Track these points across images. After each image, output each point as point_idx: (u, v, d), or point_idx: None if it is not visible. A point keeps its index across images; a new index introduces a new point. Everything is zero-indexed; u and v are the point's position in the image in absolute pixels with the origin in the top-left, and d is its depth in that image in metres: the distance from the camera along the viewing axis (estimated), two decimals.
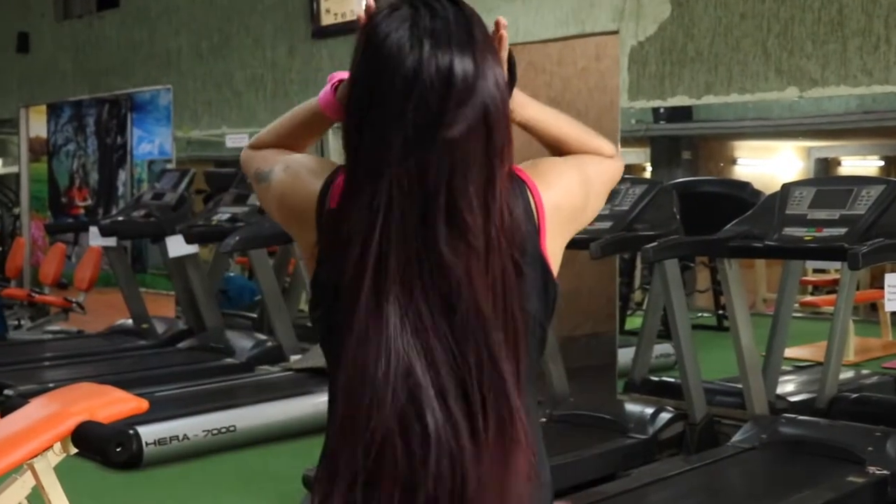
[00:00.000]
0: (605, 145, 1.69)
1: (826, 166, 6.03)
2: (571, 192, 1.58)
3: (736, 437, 4.67)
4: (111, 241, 7.60)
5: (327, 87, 1.60)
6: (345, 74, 1.52)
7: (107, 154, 10.43)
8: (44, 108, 11.26)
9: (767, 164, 6.22)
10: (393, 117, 1.35)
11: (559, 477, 4.97)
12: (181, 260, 7.34)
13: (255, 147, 1.72)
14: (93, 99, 10.38)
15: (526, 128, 1.61)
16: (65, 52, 10.54)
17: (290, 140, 1.68)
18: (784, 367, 5.37)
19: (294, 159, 1.63)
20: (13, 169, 12.02)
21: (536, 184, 1.52)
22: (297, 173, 1.58)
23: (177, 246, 7.07)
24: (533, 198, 1.50)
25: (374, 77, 1.37)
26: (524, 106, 1.60)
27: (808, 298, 6.19)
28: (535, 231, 1.49)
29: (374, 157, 1.36)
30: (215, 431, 5.32)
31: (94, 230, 7.58)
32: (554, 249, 1.53)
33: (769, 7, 5.21)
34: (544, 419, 5.22)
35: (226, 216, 7.08)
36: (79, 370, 6.62)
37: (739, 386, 4.88)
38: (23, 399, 5.04)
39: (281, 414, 5.64)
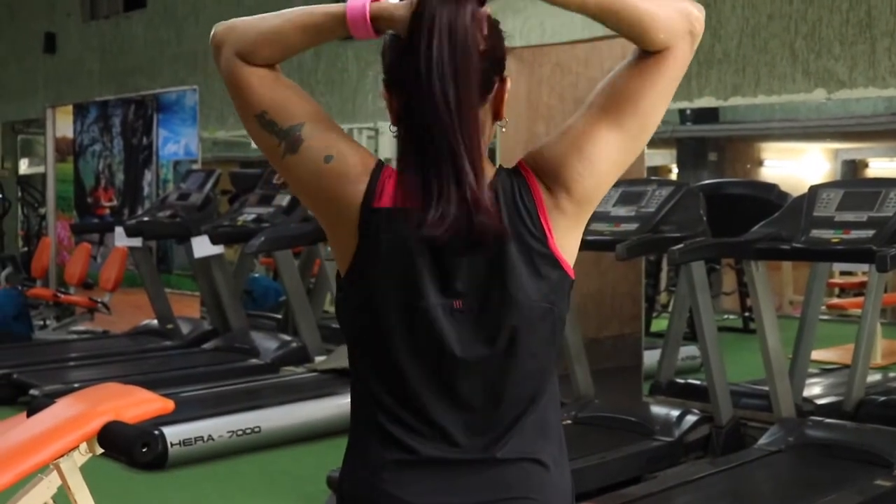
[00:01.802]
0: (666, 25, 1.49)
1: (853, 168, 5.99)
2: (590, 174, 1.52)
3: (762, 440, 4.64)
4: (136, 242, 7.64)
5: (362, 4, 1.50)
6: None
7: (133, 154, 10.48)
8: (70, 108, 11.34)
9: (794, 166, 6.18)
10: None
11: (584, 479, 4.95)
12: (206, 260, 7.36)
13: (245, 56, 1.54)
14: (119, 99, 10.43)
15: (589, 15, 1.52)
16: (91, 53, 10.60)
17: (288, 50, 1.55)
18: (811, 370, 5.34)
19: (337, 146, 1.53)
20: (39, 169, 12.11)
21: (538, 183, 1.53)
22: (343, 176, 1.52)
23: (202, 246, 7.09)
24: (534, 199, 1.52)
25: None
26: None
27: (835, 301, 6.14)
28: (541, 231, 1.51)
29: None
30: (240, 432, 5.33)
31: (119, 230, 7.61)
32: (566, 243, 1.54)
33: (797, 8, 5.17)
34: (569, 421, 5.21)
35: (251, 217, 7.10)
36: (104, 370, 6.65)
37: (766, 388, 4.86)
38: (48, 399, 5.03)
39: (305, 415, 5.65)
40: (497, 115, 1.58)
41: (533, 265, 1.51)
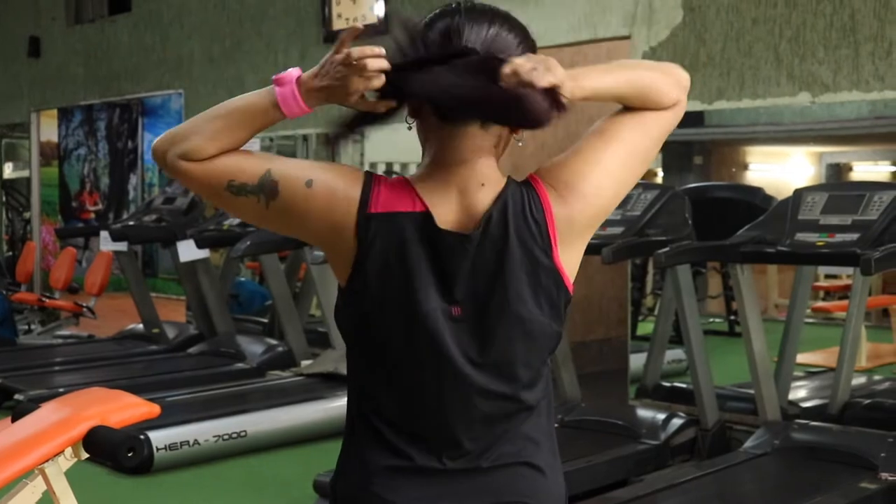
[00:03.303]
0: (671, 91, 1.65)
1: (838, 172, 6.01)
2: (600, 192, 1.60)
3: (748, 443, 4.66)
4: (122, 246, 7.61)
5: (287, 82, 1.54)
6: (296, 72, 1.56)
7: (118, 158, 10.45)
8: (55, 112, 11.29)
9: (779, 170, 6.20)
10: None
11: (571, 482, 4.95)
12: (192, 265, 7.35)
13: (192, 157, 1.57)
14: (104, 103, 10.40)
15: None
16: (76, 57, 10.57)
17: (233, 144, 1.58)
18: (796, 373, 5.36)
19: (311, 171, 1.57)
20: (24, 173, 12.05)
21: (550, 196, 1.57)
22: (332, 189, 1.55)
23: (188, 250, 7.08)
24: (544, 211, 1.56)
25: None
26: (589, 82, 1.61)
27: (820, 304, 6.16)
28: (548, 243, 1.56)
29: None
30: (226, 436, 5.32)
31: (104, 235, 7.59)
32: (569, 258, 1.59)
33: (781, 12, 5.19)
34: (557, 424, 5.20)
35: (237, 221, 7.09)
36: (89, 375, 6.63)
37: (751, 392, 4.87)
38: (33, 404, 5.02)
39: (292, 419, 5.65)
40: (513, 129, 1.63)
41: (535, 276, 1.55)
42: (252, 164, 1.57)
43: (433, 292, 1.53)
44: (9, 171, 12.69)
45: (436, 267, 1.53)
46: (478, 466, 1.57)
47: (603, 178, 1.59)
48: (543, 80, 1.48)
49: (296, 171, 1.56)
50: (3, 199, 12.33)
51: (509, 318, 1.54)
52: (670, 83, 1.65)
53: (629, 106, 1.65)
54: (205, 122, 1.57)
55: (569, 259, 1.59)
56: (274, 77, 1.56)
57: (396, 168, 7.62)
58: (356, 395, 1.63)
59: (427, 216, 1.53)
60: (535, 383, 1.60)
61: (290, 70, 1.57)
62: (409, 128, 1.63)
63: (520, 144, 1.66)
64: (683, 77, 1.68)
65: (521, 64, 1.48)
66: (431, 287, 1.53)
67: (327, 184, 1.55)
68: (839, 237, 4.41)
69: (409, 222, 1.53)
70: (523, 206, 1.55)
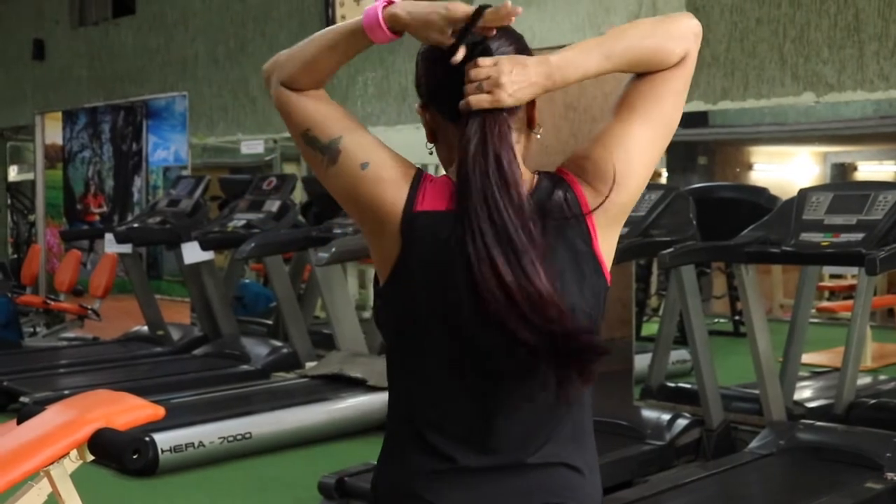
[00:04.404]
0: (675, 46, 1.61)
1: (842, 171, 6.00)
2: (629, 174, 1.58)
3: (753, 444, 4.65)
4: (126, 248, 7.62)
5: (373, 8, 1.56)
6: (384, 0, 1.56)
7: (122, 161, 10.46)
8: (59, 114, 11.31)
9: (784, 170, 6.19)
10: None
11: None
12: (197, 266, 7.35)
13: (289, 84, 1.64)
14: (108, 106, 10.41)
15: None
16: (80, 59, 10.58)
17: (324, 72, 1.63)
18: (801, 373, 5.35)
19: (373, 154, 1.59)
20: (29, 176, 12.07)
21: (582, 186, 1.58)
22: (381, 182, 1.57)
23: (192, 252, 7.08)
24: (579, 202, 1.56)
25: None
26: (575, 67, 1.57)
27: (825, 304, 6.16)
28: (587, 233, 1.56)
29: None
30: (231, 438, 5.33)
31: (109, 237, 7.60)
32: (607, 245, 1.60)
33: (785, 12, 5.19)
34: None
35: (241, 222, 7.09)
36: (94, 377, 6.64)
37: (756, 392, 4.86)
38: (39, 406, 5.03)
39: (296, 421, 5.64)
40: (531, 123, 1.64)
41: (578, 268, 1.54)
42: (333, 122, 1.61)
43: (475, 292, 1.49)
44: (13, 173, 12.71)
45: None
46: (520, 466, 1.56)
47: (629, 161, 1.58)
48: (483, 101, 1.51)
49: (360, 149, 1.59)
50: (8, 201, 12.34)
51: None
52: (673, 38, 1.60)
53: (635, 73, 1.62)
54: (302, 49, 1.63)
55: (607, 247, 1.59)
56: (366, 8, 1.59)
57: None
58: (397, 396, 1.63)
59: None
60: None
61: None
62: (431, 152, 1.66)
63: (538, 137, 1.66)
64: (692, 25, 1.63)
65: (486, 77, 1.51)
66: (472, 287, 1.48)
67: (380, 175, 1.57)
68: (844, 237, 4.40)
69: (451, 221, 1.51)
70: (558, 198, 1.55)
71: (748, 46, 5.32)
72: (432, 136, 1.65)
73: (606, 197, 1.56)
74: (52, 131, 11.51)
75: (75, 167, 11.15)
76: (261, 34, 8.32)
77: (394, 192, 1.56)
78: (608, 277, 1.59)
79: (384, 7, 1.55)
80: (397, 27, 1.55)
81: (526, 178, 1.57)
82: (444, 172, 1.65)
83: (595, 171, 1.58)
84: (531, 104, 1.61)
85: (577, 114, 7.15)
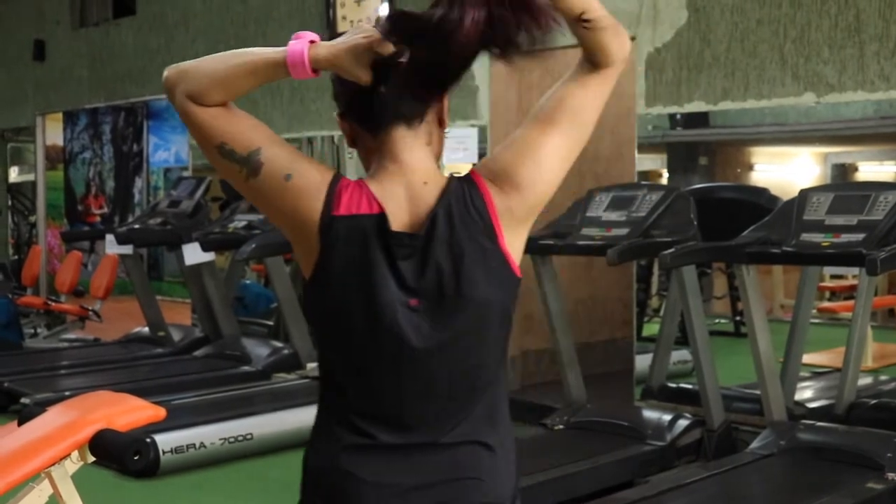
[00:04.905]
0: (620, 50, 1.73)
1: (843, 172, 6.00)
2: (538, 179, 1.69)
3: (754, 444, 4.65)
4: (127, 249, 7.62)
5: (299, 46, 1.63)
6: (311, 35, 1.66)
7: (123, 162, 10.46)
8: (60, 115, 11.30)
9: (784, 170, 6.19)
10: None
11: (576, 483, 4.96)
12: (197, 267, 7.35)
13: (197, 99, 1.66)
14: (109, 107, 10.41)
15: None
16: (81, 60, 10.58)
17: (236, 93, 1.69)
18: (802, 374, 5.35)
19: (295, 165, 1.67)
20: (29, 177, 12.06)
21: (490, 188, 1.68)
22: (303, 191, 1.66)
23: (193, 253, 7.08)
24: (486, 203, 1.67)
25: None
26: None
27: (826, 304, 6.16)
28: (493, 232, 1.67)
29: None
30: (232, 439, 5.33)
31: (110, 238, 7.60)
32: (514, 243, 1.71)
33: (786, 12, 5.19)
34: (562, 426, 5.21)
35: (242, 223, 7.09)
36: (95, 378, 6.64)
37: (757, 392, 4.86)
38: (40, 407, 5.03)
39: (298, 422, 5.62)
40: (441, 123, 1.75)
41: (485, 264, 1.66)
42: (249, 134, 1.68)
43: (392, 286, 1.64)
44: (14, 174, 12.70)
45: (392, 263, 1.64)
46: (436, 444, 1.67)
47: (537, 167, 1.69)
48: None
49: (282, 160, 1.67)
50: (9, 202, 12.34)
51: (464, 304, 1.65)
52: (620, 41, 1.73)
53: (592, 51, 1.72)
54: (215, 65, 1.67)
55: (514, 244, 1.70)
56: (294, 35, 1.66)
57: None
58: (325, 381, 1.75)
59: (382, 217, 1.65)
60: (490, 366, 1.71)
61: (307, 33, 1.67)
62: (350, 157, 1.76)
63: (447, 136, 1.77)
64: (628, 44, 1.76)
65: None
66: (390, 282, 1.64)
67: (302, 184, 1.66)
68: (845, 237, 4.40)
69: (367, 224, 1.64)
70: (466, 200, 1.66)
71: (749, 47, 5.32)
72: (352, 142, 1.77)
73: (512, 199, 1.68)
74: (52, 132, 11.51)
75: (76, 168, 11.15)
76: (261, 35, 8.32)
77: (314, 199, 1.65)
78: (517, 272, 1.70)
79: (309, 48, 1.64)
80: (319, 67, 1.65)
81: (438, 180, 1.70)
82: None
83: (504, 175, 1.68)
84: (441, 104, 1.72)
85: None
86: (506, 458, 1.72)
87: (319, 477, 1.73)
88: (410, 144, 1.70)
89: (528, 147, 1.69)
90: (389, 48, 1.61)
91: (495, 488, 1.70)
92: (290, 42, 1.64)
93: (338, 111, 1.76)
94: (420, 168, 1.69)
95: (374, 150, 1.71)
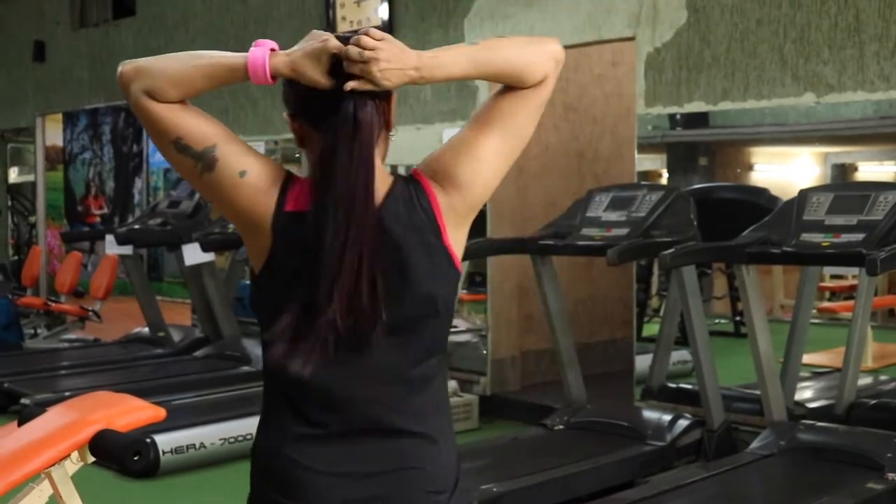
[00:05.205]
0: (538, 67, 1.76)
1: (843, 172, 6.00)
2: (477, 178, 1.75)
3: (754, 444, 4.65)
4: (127, 250, 7.62)
5: (260, 53, 1.68)
6: (271, 43, 1.70)
7: (123, 162, 10.47)
8: (60, 116, 11.31)
9: (784, 170, 6.19)
10: None
11: (577, 484, 4.95)
12: (197, 268, 7.35)
13: (153, 95, 1.70)
14: (109, 107, 10.42)
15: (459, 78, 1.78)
16: (81, 61, 10.59)
17: (193, 92, 1.72)
18: (802, 374, 5.35)
19: (249, 162, 1.72)
20: (29, 177, 12.07)
21: (433, 187, 1.75)
22: (257, 187, 1.71)
23: (193, 254, 7.08)
24: (430, 201, 1.74)
25: None
26: (442, 68, 1.71)
27: (826, 304, 6.15)
28: (437, 228, 1.74)
29: None
30: (232, 440, 5.33)
31: (110, 238, 7.60)
32: (457, 239, 1.77)
33: (785, 13, 5.19)
34: (562, 426, 5.21)
35: None
36: (95, 379, 6.64)
37: (757, 392, 4.86)
38: (40, 408, 5.03)
39: None
40: (388, 125, 1.79)
41: (429, 258, 1.73)
42: (204, 130, 1.72)
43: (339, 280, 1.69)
44: (14, 175, 12.71)
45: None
46: (382, 434, 1.73)
47: (476, 167, 1.76)
48: (364, 68, 1.64)
49: (237, 157, 1.72)
50: (9, 203, 12.34)
51: (410, 297, 1.71)
52: (538, 61, 1.76)
53: (498, 83, 1.78)
54: (175, 65, 1.70)
55: (456, 240, 1.77)
56: (255, 42, 1.70)
57: (401, 171, 7.63)
58: (270, 372, 1.77)
59: None
60: (433, 356, 1.77)
61: (268, 41, 1.71)
62: (298, 156, 1.79)
63: (392, 137, 1.80)
64: (555, 50, 1.79)
65: (371, 48, 1.64)
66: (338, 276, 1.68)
67: (257, 180, 1.72)
68: (845, 237, 4.40)
69: (311, 218, 1.69)
70: (412, 198, 1.73)
71: (748, 47, 5.32)
72: (301, 143, 1.80)
73: (454, 198, 1.75)
74: (52, 133, 11.51)
75: (76, 169, 11.16)
76: (261, 35, 8.27)
77: (267, 195, 1.71)
78: (459, 267, 1.78)
79: (270, 57, 1.68)
80: (279, 75, 1.69)
81: (385, 179, 1.75)
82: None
83: (445, 174, 1.75)
84: (388, 107, 1.76)
85: (578, 115, 7.15)
86: (448, 447, 1.79)
87: (269, 467, 1.77)
88: None
89: (467, 148, 1.76)
90: (345, 50, 1.66)
91: (439, 477, 1.76)
92: (252, 49, 1.68)
93: (288, 112, 1.80)
94: None
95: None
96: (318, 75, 1.67)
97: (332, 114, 1.69)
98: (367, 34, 1.65)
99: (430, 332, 1.76)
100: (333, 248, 1.65)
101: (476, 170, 1.75)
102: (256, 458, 1.81)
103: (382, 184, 1.73)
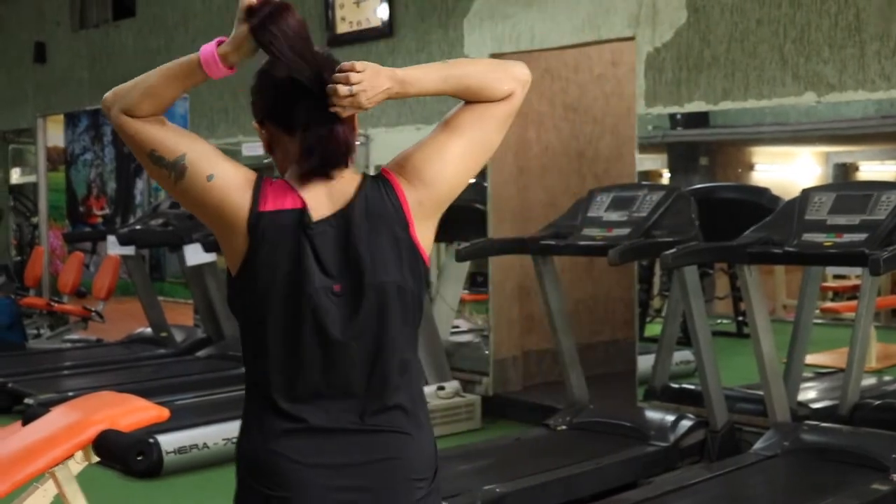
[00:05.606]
0: (502, 84, 1.91)
1: (845, 171, 6.01)
2: (443, 177, 1.88)
3: (758, 445, 4.65)
4: (129, 250, 7.62)
5: (209, 46, 1.80)
6: (220, 38, 1.82)
7: (124, 163, 10.46)
8: (61, 117, 11.31)
9: (785, 170, 6.20)
10: None
11: (579, 485, 4.95)
12: (199, 268, 7.36)
13: (130, 112, 1.83)
14: None
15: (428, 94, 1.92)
16: (81, 62, 10.59)
17: (163, 101, 1.84)
18: (805, 374, 5.35)
19: (217, 166, 1.82)
20: (31, 178, 12.07)
21: (401, 183, 1.87)
22: (227, 189, 1.81)
23: (195, 254, 7.09)
24: (398, 196, 1.86)
25: None
26: (415, 83, 1.85)
27: (829, 304, 6.15)
28: (405, 222, 1.85)
29: None
30: (235, 440, 5.32)
31: (112, 239, 7.60)
32: (424, 233, 1.88)
33: (785, 12, 5.19)
34: (564, 427, 5.21)
35: None
36: (98, 379, 6.64)
37: (760, 393, 4.86)
38: (43, 408, 5.05)
39: None
40: (354, 129, 1.91)
41: (398, 251, 1.84)
42: (175, 141, 1.83)
43: (317, 274, 1.80)
44: (16, 176, 12.71)
45: (315, 253, 1.80)
46: (361, 427, 1.83)
47: (443, 167, 1.88)
48: (352, 101, 1.78)
49: (205, 162, 1.82)
50: (11, 204, 12.34)
51: (381, 288, 1.82)
52: (502, 78, 1.91)
53: (467, 99, 1.91)
54: (143, 80, 1.85)
55: (424, 235, 1.88)
56: (202, 47, 1.83)
57: None
58: (251, 372, 1.87)
59: (304, 211, 1.81)
60: (407, 346, 1.88)
61: (218, 38, 1.84)
62: (267, 160, 1.89)
63: (359, 143, 1.88)
64: (520, 72, 1.94)
65: (356, 81, 1.78)
66: (315, 270, 1.80)
67: (225, 183, 1.81)
68: (847, 237, 4.40)
69: (292, 217, 1.81)
70: (380, 194, 1.85)
71: (749, 47, 5.32)
72: (269, 148, 1.93)
73: (422, 194, 1.86)
74: (53, 133, 11.51)
75: (77, 169, 11.16)
76: None
77: (239, 197, 1.81)
78: (426, 259, 1.89)
79: (218, 47, 1.81)
80: (229, 60, 1.81)
81: (354, 177, 1.87)
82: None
83: (413, 171, 1.88)
84: (354, 119, 1.89)
85: (578, 114, 7.15)
86: (426, 436, 1.89)
87: (255, 463, 1.85)
88: None
89: (436, 148, 1.89)
90: (334, 88, 1.78)
91: (420, 465, 1.87)
92: (202, 46, 1.81)
93: (256, 119, 1.92)
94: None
95: (293, 151, 1.86)
96: (246, 49, 1.80)
97: (300, 116, 1.83)
98: (352, 69, 1.78)
99: (400, 323, 1.85)
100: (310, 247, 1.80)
101: (442, 169, 1.88)
102: (242, 454, 1.90)
103: (352, 181, 1.86)
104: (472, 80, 1.89)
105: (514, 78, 1.92)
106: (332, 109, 1.79)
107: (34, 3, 11.26)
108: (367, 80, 1.78)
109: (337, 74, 1.78)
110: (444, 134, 1.91)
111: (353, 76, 1.77)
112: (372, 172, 1.92)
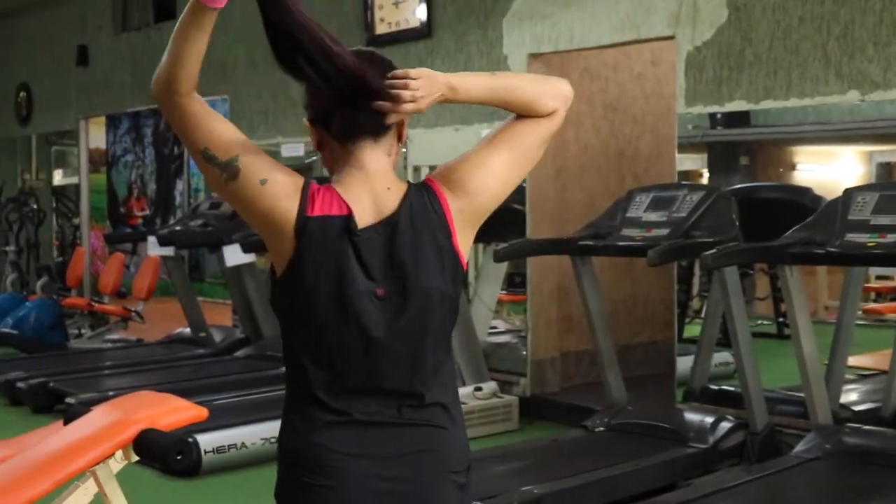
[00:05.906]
0: (549, 101, 1.97)
1: (888, 171, 5.93)
2: (486, 188, 1.94)
3: (798, 447, 4.60)
4: (169, 251, 7.68)
5: None
6: None
7: (164, 164, 10.55)
8: (103, 119, 11.42)
9: (828, 170, 6.13)
10: None
11: (618, 486, 4.92)
12: (238, 269, 7.40)
13: (171, 86, 1.84)
14: (150, 110, 10.50)
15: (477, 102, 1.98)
16: (123, 64, 10.69)
17: (190, 59, 1.85)
18: (847, 376, 5.28)
19: (270, 171, 1.86)
20: (73, 180, 12.21)
21: (445, 193, 1.93)
22: (278, 196, 1.85)
23: (234, 255, 7.12)
24: (442, 206, 1.91)
25: None
26: (463, 91, 1.92)
27: (872, 305, 6.08)
28: (448, 231, 1.91)
29: None
30: (273, 440, 5.33)
31: (152, 240, 7.67)
32: (464, 241, 1.94)
33: (829, 9, 5.13)
34: (602, 428, 5.18)
35: None
36: (138, 378, 6.70)
37: (801, 395, 4.81)
38: (84, 407, 5.09)
39: None
40: (400, 138, 1.97)
41: (440, 258, 1.89)
42: (229, 141, 1.87)
43: (361, 278, 1.84)
44: (58, 177, 12.86)
45: (360, 258, 1.85)
46: (398, 419, 1.88)
47: (486, 178, 1.94)
48: (414, 106, 1.85)
49: (258, 167, 1.86)
50: (53, 205, 12.48)
51: (426, 293, 1.87)
52: (549, 94, 1.97)
53: (512, 111, 1.98)
54: (166, 53, 1.85)
55: (464, 242, 1.94)
56: None
57: None
58: (294, 369, 1.91)
59: (350, 217, 1.86)
60: (443, 346, 1.93)
61: None
62: (314, 158, 1.88)
63: (403, 151, 1.89)
64: (565, 89, 2.01)
65: (414, 88, 1.84)
66: (359, 274, 1.84)
67: (277, 190, 1.85)
68: (891, 237, 4.35)
69: (338, 223, 1.85)
70: (424, 203, 1.90)
71: (791, 45, 5.27)
72: (318, 146, 1.98)
73: (464, 203, 1.92)
74: (95, 135, 11.64)
75: (118, 171, 11.26)
76: None
77: (288, 202, 1.85)
78: (465, 266, 1.95)
79: None
80: None
81: (399, 185, 1.92)
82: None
83: (457, 182, 1.93)
84: (402, 121, 1.93)
85: (617, 114, 7.11)
86: (459, 430, 1.96)
87: (298, 454, 1.92)
88: (375, 155, 1.92)
89: (480, 160, 1.95)
90: (397, 94, 1.85)
91: (456, 458, 1.93)
92: None
93: (307, 117, 1.98)
94: (382, 175, 1.91)
95: (340, 158, 1.93)
96: None
97: (350, 125, 1.89)
98: (406, 76, 1.84)
99: (438, 325, 1.90)
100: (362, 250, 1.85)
101: (485, 180, 1.94)
102: (284, 447, 1.97)
103: (397, 189, 1.91)
104: (519, 95, 1.96)
105: (559, 95, 1.98)
106: (385, 111, 1.86)
107: (77, 7, 11.38)
108: (425, 87, 1.85)
109: (394, 81, 1.85)
110: (488, 147, 1.97)
111: (412, 83, 1.84)
112: (410, 173, 1.94)
